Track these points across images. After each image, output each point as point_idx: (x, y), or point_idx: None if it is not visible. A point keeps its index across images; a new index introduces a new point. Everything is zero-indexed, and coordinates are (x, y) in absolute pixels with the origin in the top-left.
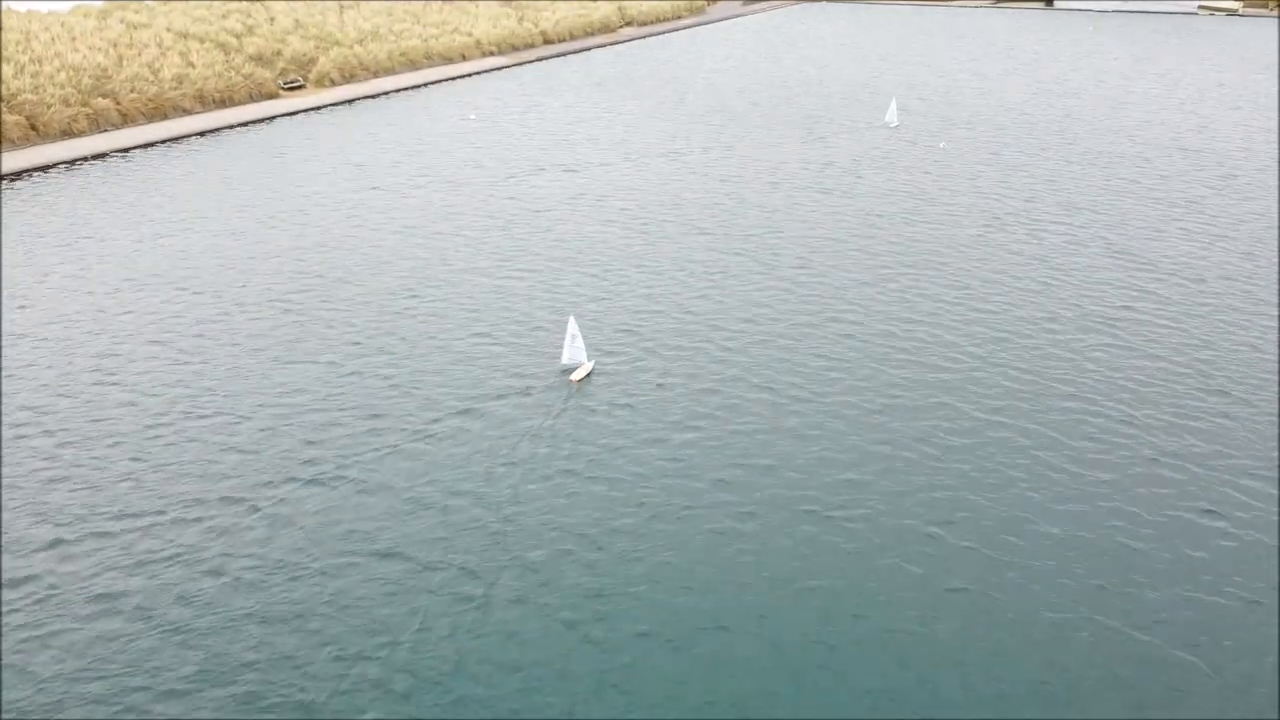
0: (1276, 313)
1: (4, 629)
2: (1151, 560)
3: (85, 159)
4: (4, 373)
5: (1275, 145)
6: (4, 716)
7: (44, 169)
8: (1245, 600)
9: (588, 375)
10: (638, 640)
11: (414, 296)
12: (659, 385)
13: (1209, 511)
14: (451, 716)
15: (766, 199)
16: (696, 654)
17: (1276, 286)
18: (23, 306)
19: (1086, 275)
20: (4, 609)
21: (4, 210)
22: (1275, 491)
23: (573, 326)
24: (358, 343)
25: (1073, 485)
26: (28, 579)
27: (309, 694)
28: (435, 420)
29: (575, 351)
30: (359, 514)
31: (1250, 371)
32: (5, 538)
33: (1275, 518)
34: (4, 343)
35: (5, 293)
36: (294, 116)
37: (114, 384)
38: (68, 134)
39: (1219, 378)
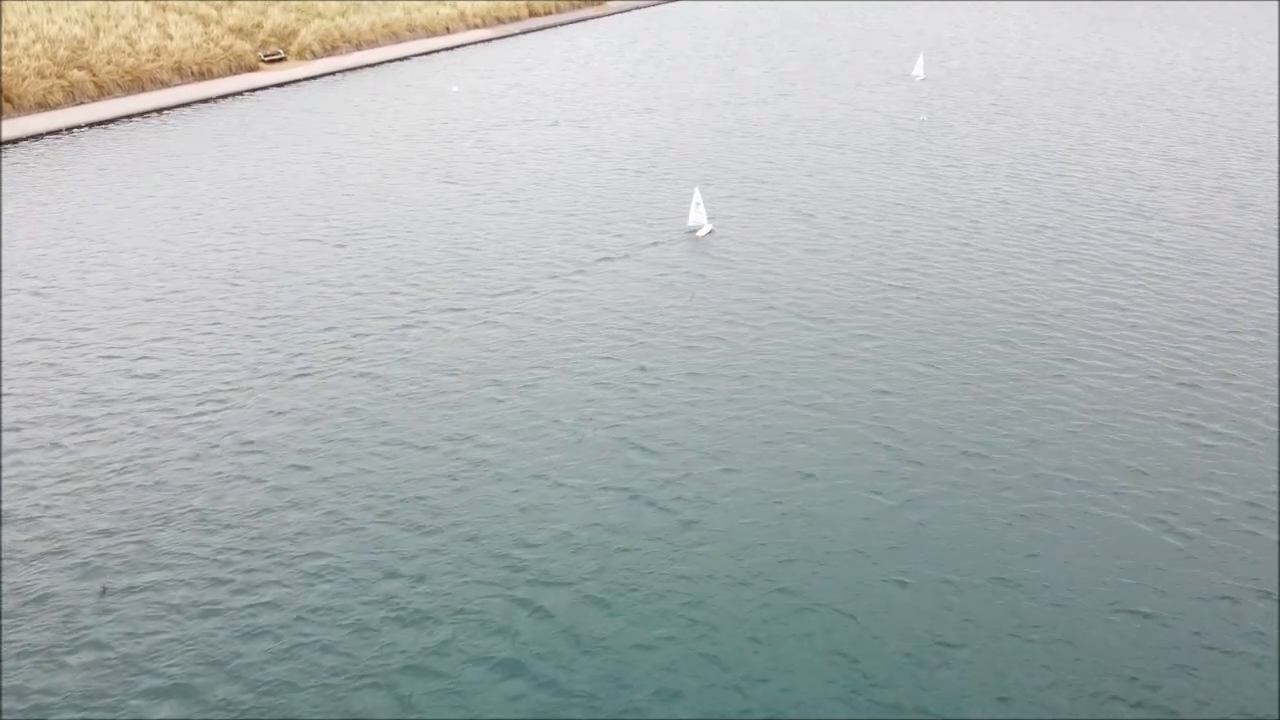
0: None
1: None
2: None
3: (61, 131)
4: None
5: (1275, 110)
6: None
7: (15, 142)
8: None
9: (709, 233)
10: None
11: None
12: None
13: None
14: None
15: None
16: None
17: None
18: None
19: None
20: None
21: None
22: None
23: (697, 195)
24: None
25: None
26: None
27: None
28: (588, 258)
29: (698, 215)
30: (507, 346)
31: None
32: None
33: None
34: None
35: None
36: (282, 88)
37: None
38: (43, 106)
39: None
